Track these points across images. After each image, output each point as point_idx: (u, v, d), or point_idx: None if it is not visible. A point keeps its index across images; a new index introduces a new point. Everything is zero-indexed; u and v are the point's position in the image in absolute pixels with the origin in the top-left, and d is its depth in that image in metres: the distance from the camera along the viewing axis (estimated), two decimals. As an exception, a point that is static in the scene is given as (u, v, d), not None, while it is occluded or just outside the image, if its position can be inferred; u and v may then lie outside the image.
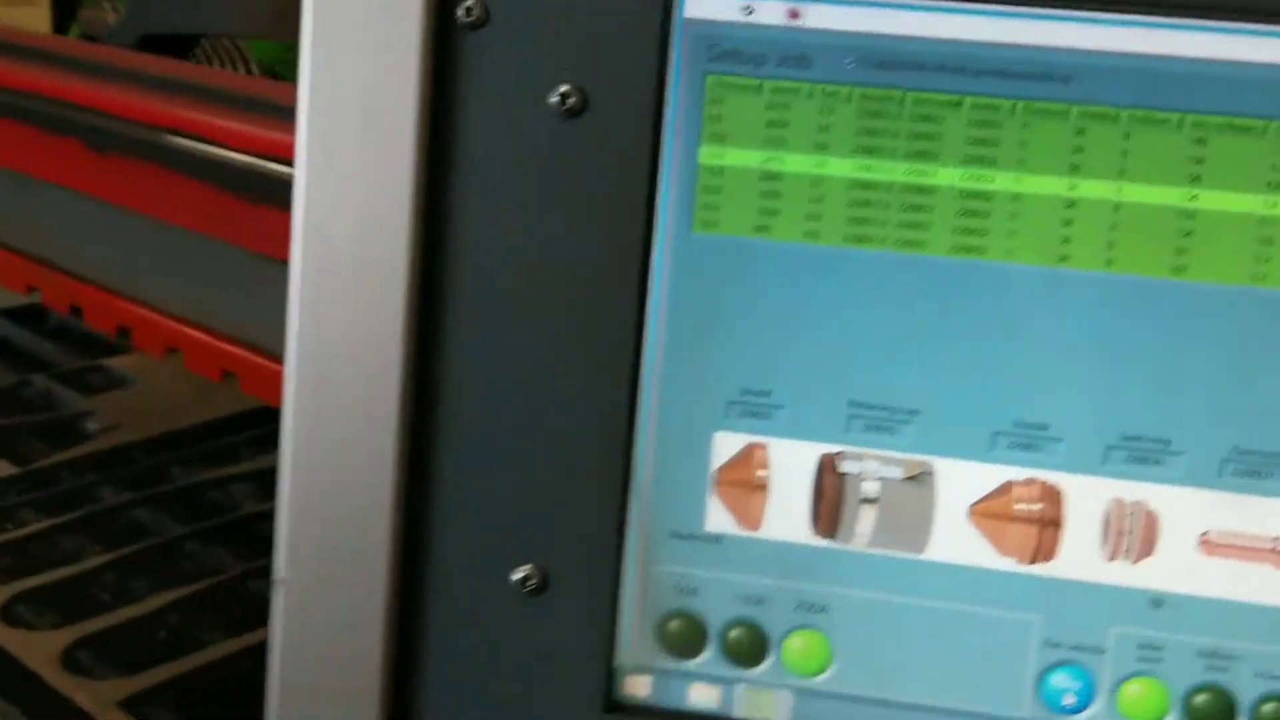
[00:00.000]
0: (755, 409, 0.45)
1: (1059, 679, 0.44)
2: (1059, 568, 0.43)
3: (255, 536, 0.76)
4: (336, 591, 0.47)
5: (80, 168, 0.87)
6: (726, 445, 0.45)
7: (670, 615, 0.46)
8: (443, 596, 0.47)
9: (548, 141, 0.45)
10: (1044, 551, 0.43)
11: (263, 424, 0.88)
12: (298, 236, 0.45)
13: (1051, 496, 0.43)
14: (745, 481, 0.45)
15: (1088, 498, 0.43)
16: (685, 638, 0.46)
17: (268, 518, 0.48)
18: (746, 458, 0.45)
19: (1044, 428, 0.43)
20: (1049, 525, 0.43)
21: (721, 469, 0.45)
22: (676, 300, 0.45)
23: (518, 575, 0.46)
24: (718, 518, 0.46)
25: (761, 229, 0.44)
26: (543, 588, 0.46)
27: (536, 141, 0.45)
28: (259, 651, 0.49)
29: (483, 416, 0.46)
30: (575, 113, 0.44)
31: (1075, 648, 0.44)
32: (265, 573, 0.48)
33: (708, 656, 0.47)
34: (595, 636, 0.46)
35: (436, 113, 0.44)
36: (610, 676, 0.47)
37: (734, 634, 0.46)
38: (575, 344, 0.45)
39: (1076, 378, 0.43)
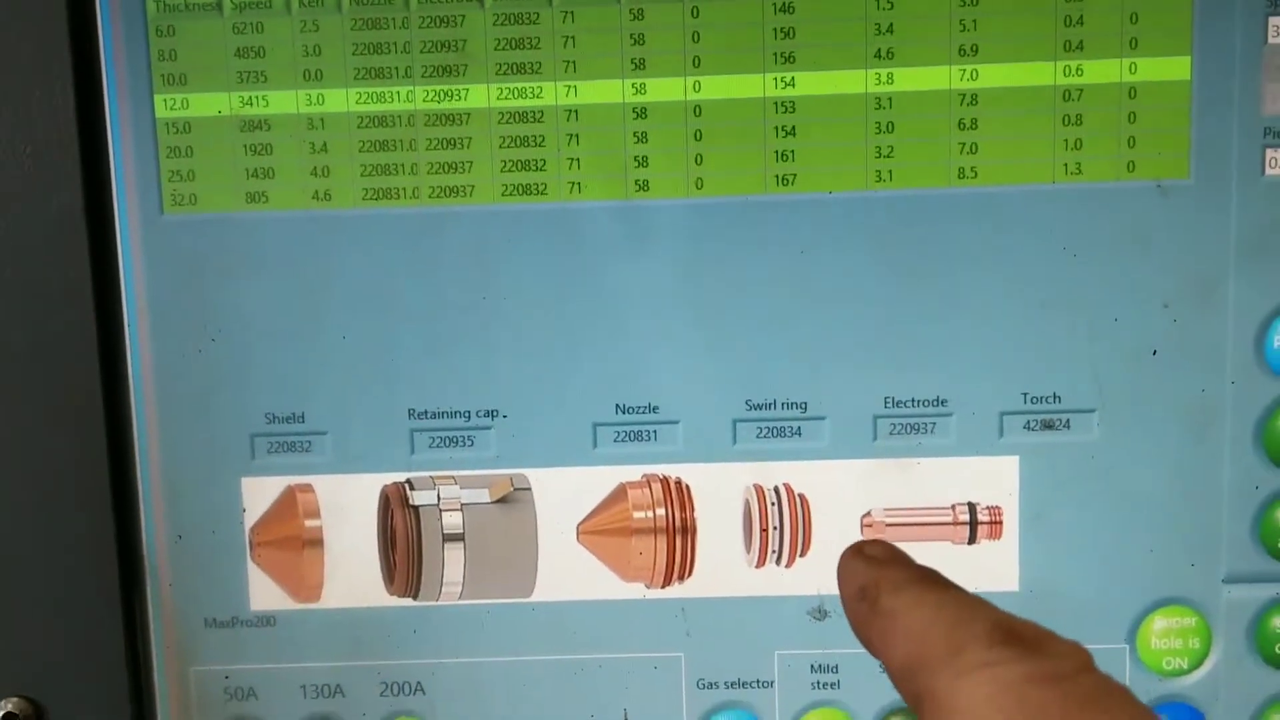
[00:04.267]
0: (289, 440, 0.39)
1: (730, 721, 0.40)
2: (699, 585, 0.38)
3: None
4: None
5: None
6: (259, 493, 0.39)
7: (226, 728, 0.39)
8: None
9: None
10: (677, 568, 0.38)
11: None
12: None
13: (677, 496, 0.38)
14: (291, 538, 0.39)
15: (721, 489, 0.38)
16: (252, 752, 0.40)
17: None
18: (288, 506, 0.39)
19: (654, 410, 0.38)
20: (679, 533, 0.38)
21: (258, 526, 0.39)
22: (159, 306, 0.38)
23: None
24: (264, 591, 0.39)
25: (256, 198, 0.37)
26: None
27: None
28: None
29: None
30: (-39, 71, 0.35)
31: (736, 685, 0.39)
32: None
33: (287, 770, 0.40)
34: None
35: None
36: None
37: (311, 738, 0.39)
38: (21, 384, 0.38)
39: (681, 340, 0.38)
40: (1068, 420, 0.39)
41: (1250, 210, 0.38)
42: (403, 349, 0.39)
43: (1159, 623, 0.40)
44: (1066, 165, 0.38)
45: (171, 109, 0.38)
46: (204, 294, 0.38)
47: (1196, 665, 0.40)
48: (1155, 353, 0.38)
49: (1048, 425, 0.39)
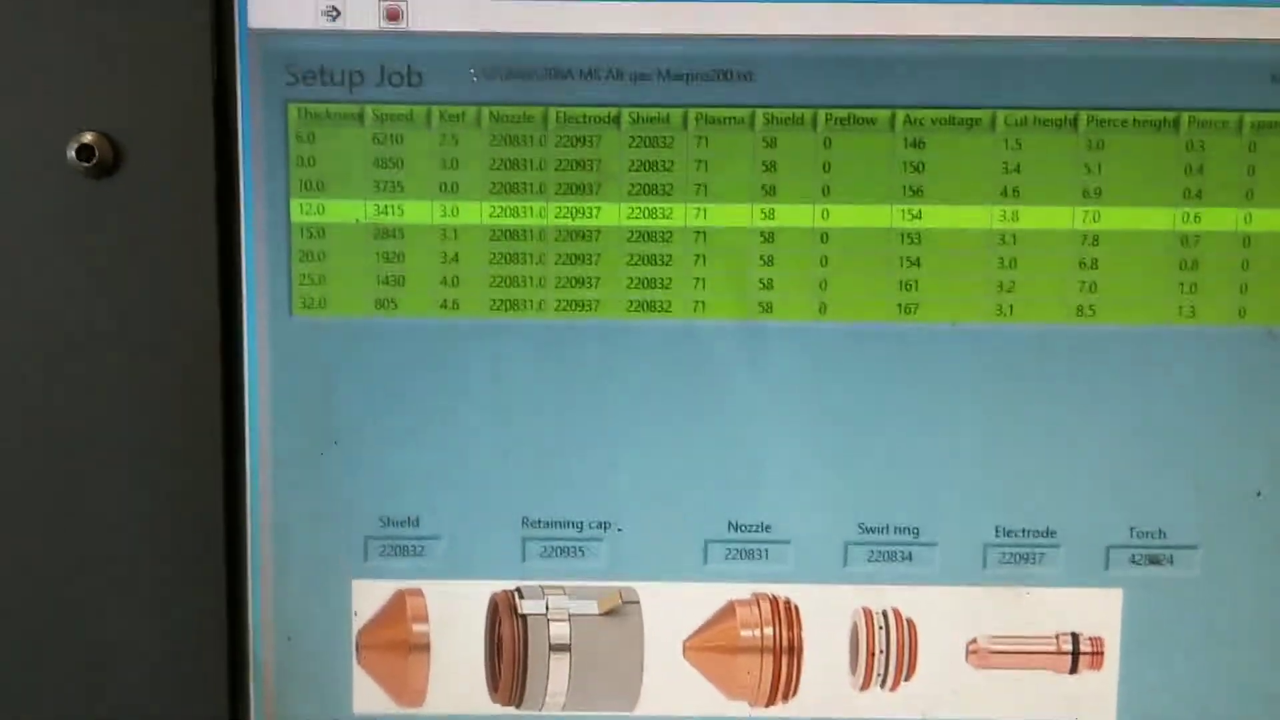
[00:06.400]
0: (403, 544, 0.39)
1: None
2: (803, 706, 0.38)
3: None
4: None
5: None
6: (370, 596, 0.39)
7: (318, 831, 0.39)
8: None
9: (72, 207, 0.37)
10: (782, 688, 0.38)
11: None
12: None
13: (785, 615, 0.38)
14: (399, 642, 0.39)
15: (829, 611, 0.38)
16: None
17: None
18: (398, 610, 0.38)
19: (766, 529, 0.38)
20: (785, 653, 0.38)
21: (366, 629, 0.38)
22: (282, 406, 0.38)
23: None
24: (368, 695, 0.39)
25: (384, 304, 0.38)
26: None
27: (58, 209, 0.38)
28: None
29: None
30: (105, 169, 0.36)
31: None
32: None
33: None
34: None
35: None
36: None
37: (405, 844, 0.39)
38: (137, 473, 0.38)
39: (797, 461, 0.39)
40: (1172, 556, 0.39)
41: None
42: (521, 457, 0.39)
43: (1252, 757, 0.40)
44: (1181, 308, 0.38)
45: (307, 214, 0.38)
46: (327, 395, 0.38)
47: (1286, 801, 0.40)
48: (1260, 494, 0.39)
49: (1153, 560, 0.39)
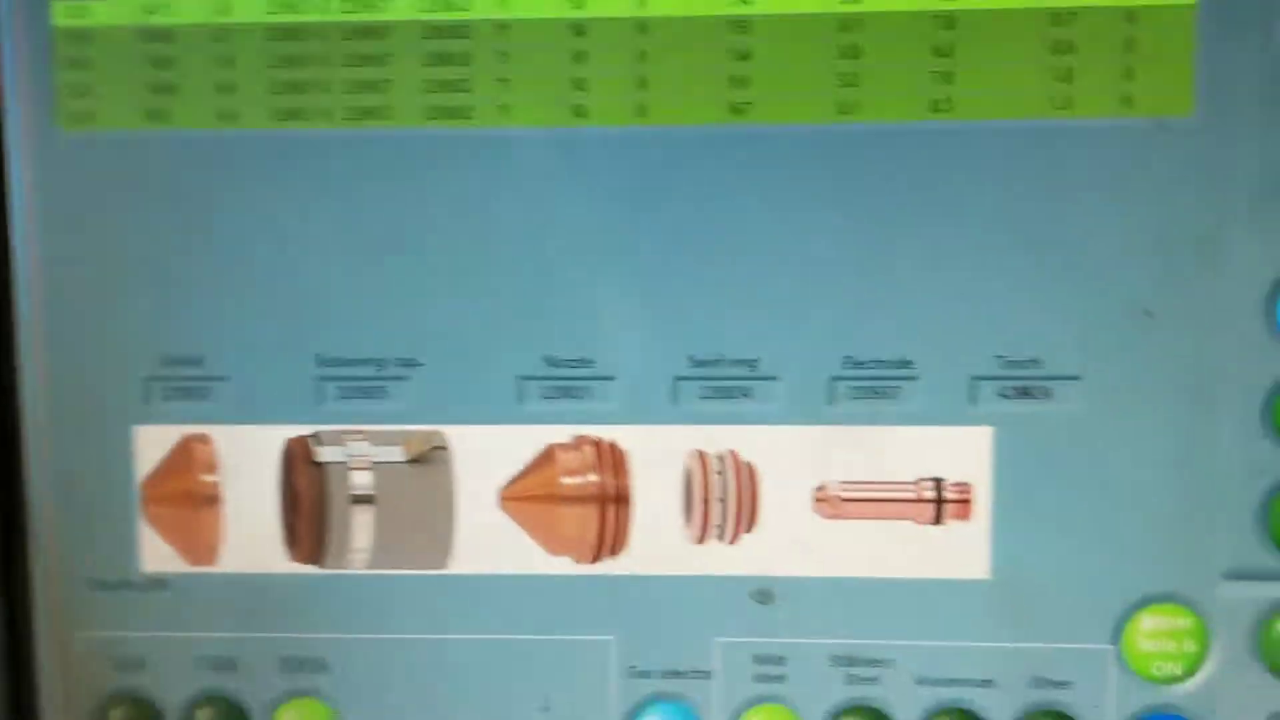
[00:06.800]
0: (187, 385, 0.35)
1: None
2: (632, 563, 0.34)
3: None
4: None
5: None
6: (152, 443, 0.35)
7: (111, 701, 0.36)
8: None
9: None
10: (609, 542, 0.34)
11: None
12: None
13: (611, 460, 0.34)
14: (186, 494, 0.35)
15: (660, 454, 0.34)
16: (139, 730, 0.36)
17: None
18: (184, 458, 0.35)
19: (587, 364, 0.34)
20: (612, 502, 0.34)
21: (149, 480, 0.35)
22: (50, 232, 0.35)
23: None
24: (156, 552, 0.35)
25: (156, 115, 0.34)
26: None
27: None
28: None
29: None
30: None
31: (670, 674, 0.34)
32: None
33: (177, 752, 0.37)
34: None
35: None
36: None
37: (203, 716, 0.35)
38: None
39: (619, 287, 0.34)
40: (1048, 388, 0.34)
41: (1261, 153, 0.33)
42: (312, 288, 0.35)
43: (1148, 621, 0.35)
44: (1054, 98, 0.33)
45: (70, 16, 0.35)
46: (99, 220, 0.35)
47: (1191, 672, 0.36)
48: (1149, 314, 0.34)
49: (1025, 393, 0.34)
